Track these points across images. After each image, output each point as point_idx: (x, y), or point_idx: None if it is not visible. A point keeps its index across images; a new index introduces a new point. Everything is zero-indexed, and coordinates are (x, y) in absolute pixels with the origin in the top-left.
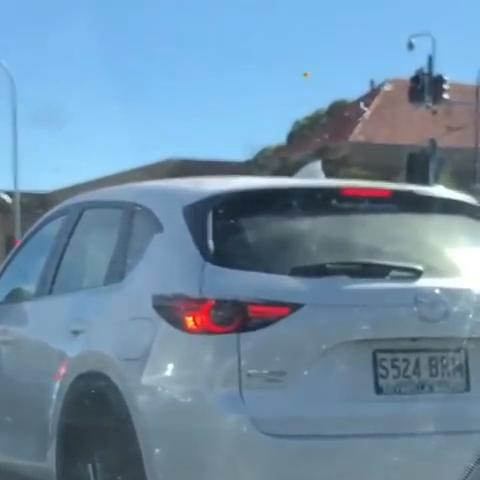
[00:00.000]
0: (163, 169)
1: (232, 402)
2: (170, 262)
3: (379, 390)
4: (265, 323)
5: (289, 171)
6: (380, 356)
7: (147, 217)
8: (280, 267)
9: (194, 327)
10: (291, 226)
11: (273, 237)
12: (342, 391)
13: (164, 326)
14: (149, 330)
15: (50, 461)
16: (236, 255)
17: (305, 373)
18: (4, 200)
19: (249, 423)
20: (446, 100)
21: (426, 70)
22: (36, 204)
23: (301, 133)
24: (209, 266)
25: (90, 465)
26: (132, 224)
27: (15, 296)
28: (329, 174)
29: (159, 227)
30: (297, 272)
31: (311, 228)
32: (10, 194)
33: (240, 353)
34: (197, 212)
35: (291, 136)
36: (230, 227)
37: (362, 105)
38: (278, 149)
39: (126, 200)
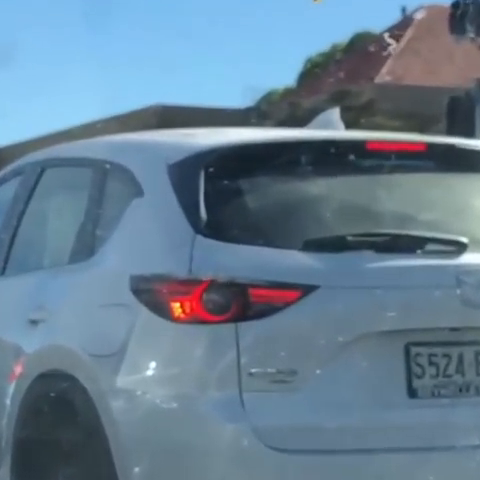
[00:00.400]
0: (142, 118)
1: (230, 408)
2: (152, 234)
3: (413, 393)
4: (270, 310)
5: (300, 120)
6: (414, 350)
7: (123, 178)
8: (289, 240)
9: (182, 315)
10: (303, 189)
11: (280, 203)
12: (366, 395)
13: (145, 314)
14: (126, 319)
15: None
16: (234, 226)
17: (320, 372)
18: None
19: (251, 434)
20: None
21: None
22: None
23: (314, 74)
24: (200, 239)
25: None
26: (104, 187)
27: None
28: (349, 124)
29: (138, 190)
30: (310, 246)
31: (327, 192)
32: None
33: (239, 347)
34: (186, 171)
35: (302, 77)
36: (227, 191)
37: (387, 37)
38: (286, 93)
39: (96, 157)
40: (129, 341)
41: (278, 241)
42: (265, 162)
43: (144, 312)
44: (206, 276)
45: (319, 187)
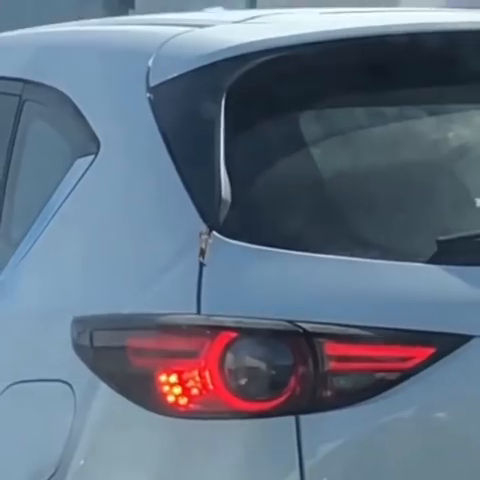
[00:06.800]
0: None
1: None
2: (116, 232)
3: None
4: (371, 387)
5: None
6: None
7: (54, 115)
8: (395, 242)
9: (184, 401)
10: (420, 139)
11: (375, 167)
12: None
13: (105, 401)
14: (64, 413)
15: None
16: (289, 215)
17: None
18: None
19: None
20: None
21: None
22: None
23: None
24: (219, 241)
25: None
26: (14, 134)
27: None
28: None
29: (86, 141)
30: (444, 252)
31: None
32: None
33: (304, 468)
34: (191, 101)
35: None
36: (277, 143)
37: None
38: None
39: (4, 74)
40: (71, 460)
41: (378, 244)
42: (352, 81)
43: (103, 396)
44: (232, 318)
45: (451, 136)
